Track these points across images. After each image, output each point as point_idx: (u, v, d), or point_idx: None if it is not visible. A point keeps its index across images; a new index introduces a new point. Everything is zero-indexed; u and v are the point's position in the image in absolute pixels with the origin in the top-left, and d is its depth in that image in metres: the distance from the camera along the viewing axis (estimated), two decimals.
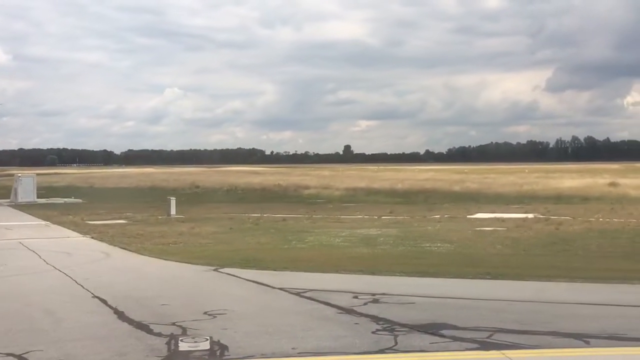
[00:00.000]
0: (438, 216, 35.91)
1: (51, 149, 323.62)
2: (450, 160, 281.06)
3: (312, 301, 13.66)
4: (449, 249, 23.15)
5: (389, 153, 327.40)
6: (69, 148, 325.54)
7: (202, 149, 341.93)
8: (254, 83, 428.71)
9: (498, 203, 45.19)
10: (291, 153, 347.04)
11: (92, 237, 26.64)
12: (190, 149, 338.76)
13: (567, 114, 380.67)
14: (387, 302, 13.46)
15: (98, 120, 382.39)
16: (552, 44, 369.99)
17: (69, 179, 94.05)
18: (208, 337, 10.55)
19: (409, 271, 17.73)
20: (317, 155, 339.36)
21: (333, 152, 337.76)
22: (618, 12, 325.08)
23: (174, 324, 11.57)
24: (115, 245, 23.99)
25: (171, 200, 37.04)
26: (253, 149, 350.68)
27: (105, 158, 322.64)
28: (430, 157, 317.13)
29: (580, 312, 12.54)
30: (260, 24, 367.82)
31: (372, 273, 17.63)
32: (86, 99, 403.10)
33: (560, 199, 46.73)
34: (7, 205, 46.62)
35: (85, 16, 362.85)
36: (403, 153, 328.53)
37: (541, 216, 34.40)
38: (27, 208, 43.13)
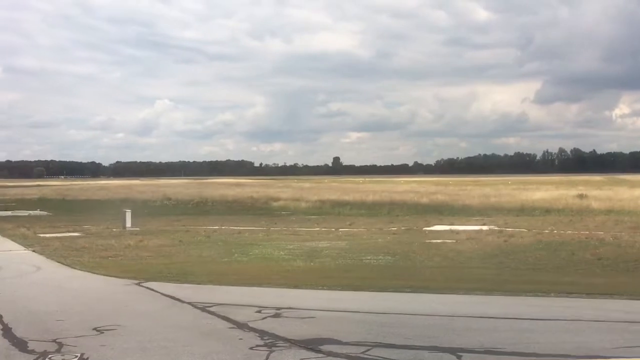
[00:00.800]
0: (395, 228, 35.73)
1: (39, 160, 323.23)
2: (438, 172, 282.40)
3: (212, 315, 13.44)
4: (388, 261, 23.04)
5: (378, 165, 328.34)
6: (57, 160, 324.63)
7: (192, 160, 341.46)
8: (245, 95, 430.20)
9: (462, 215, 45.18)
10: (280, 165, 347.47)
11: (34, 251, 26.31)
12: (180, 161, 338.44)
13: (556, 126, 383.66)
14: (287, 317, 13.24)
15: (88, 132, 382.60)
16: (541, 57, 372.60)
17: (46, 191, 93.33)
18: (79, 354, 10.31)
19: (332, 284, 17.60)
20: (306, 167, 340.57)
21: (322, 164, 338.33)
22: (605, 25, 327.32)
23: (54, 340, 11.29)
24: (52, 259, 23.69)
25: (126, 213, 36.71)
26: (242, 160, 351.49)
27: (93, 170, 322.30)
28: (419, 169, 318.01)
29: (472, 326, 12.31)
30: (250, 36, 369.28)
31: (295, 286, 17.51)
32: (76, 111, 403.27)
33: (523, 210, 46.67)
34: None
35: (75, 28, 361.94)
36: (392, 165, 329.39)
37: (496, 228, 34.26)
38: None
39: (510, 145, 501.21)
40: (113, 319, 12.99)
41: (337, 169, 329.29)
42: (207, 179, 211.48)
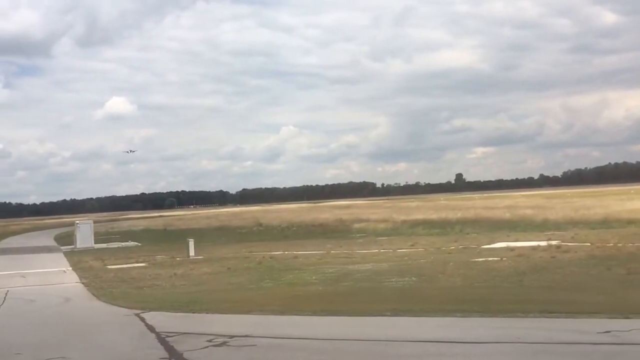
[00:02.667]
0: (453, 247, 35.07)
1: (171, 192, 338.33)
2: (565, 184, 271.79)
3: (161, 346, 13.83)
4: (406, 283, 22.81)
5: (505, 179, 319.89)
6: (187, 190, 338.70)
7: (316, 184, 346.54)
8: (367, 116, 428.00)
9: (537, 230, 43.56)
10: (402, 184, 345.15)
11: (82, 282, 27.80)
12: (303, 185, 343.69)
13: None
14: (229, 345, 13.50)
15: (217, 162, 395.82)
16: None
17: (157, 222, 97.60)
18: None
19: (320, 310, 17.66)
20: (428, 185, 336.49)
21: (445, 181, 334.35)
22: None
23: None
24: (90, 291, 24.93)
25: (190, 242, 38.05)
26: (364, 182, 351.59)
27: (220, 198, 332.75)
28: (544, 182, 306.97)
29: (402, 351, 12.23)
30: (370, 58, 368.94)
31: (282, 313, 17.70)
32: (206, 142, 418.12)
33: (604, 223, 44.41)
34: (65, 251, 49.11)
35: (201, 63, 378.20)
36: (516, 179, 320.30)
37: (557, 243, 32.89)
38: (76, 254, 45.21)
39: None
40: (70, 350, 13.68)
41: (459, 185, 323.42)
42: (322, 202, 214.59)
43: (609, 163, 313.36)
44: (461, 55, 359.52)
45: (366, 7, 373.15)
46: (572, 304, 16.56)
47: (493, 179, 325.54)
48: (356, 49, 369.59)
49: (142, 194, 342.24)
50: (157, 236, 64.71)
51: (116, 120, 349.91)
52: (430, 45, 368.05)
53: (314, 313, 17.33)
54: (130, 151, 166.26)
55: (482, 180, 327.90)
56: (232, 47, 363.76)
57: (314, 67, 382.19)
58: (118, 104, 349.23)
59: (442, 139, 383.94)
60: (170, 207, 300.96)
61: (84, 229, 52.43)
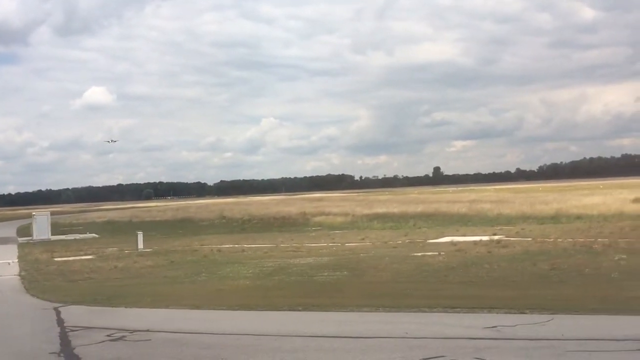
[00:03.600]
0: (400, 241, 35.34)
1: (148, 182, 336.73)
2: (541, 178, 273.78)
3: (59, 340, 13.95)
4: (336, 278, 22.96)
5: (483, 173, 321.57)
6: (165, 181, 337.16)
7: (294, 176, 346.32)
8: (348, 109, 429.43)
9: (488, 225, 43.99)
10: (380, 177, 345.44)
11: (20, 275, 27.72)
12: (282, 177, 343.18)
13: None
14: (125, 340, 13.69)
15: (198, 153, 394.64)
16: None
17: (126, 214, 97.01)
18: None
19: (237, 304, 17.88)
20: (406, 178, 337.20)
21: (424, 174, 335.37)
22: None
23: None
24: (23, 284, 24.82)
25: (138, 235, 38.08)
26: (342, 174, 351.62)
27: (198, 190, 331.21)
28: (521, 176, 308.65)
29: (282, 346, 12.52)
30: (352, 50, 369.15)
31: (198, 307, 17.85)
32: (186, 133, 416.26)
33: (554, 218, 44.95)
34: (21, 243, 48.87)
35: (182, 53, 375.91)
36: (493, 172, 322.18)
37: (499, 238, 33.35)
38: (29, 246, 45.03)
39: (625, 146, 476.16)
40: None
41: (437, 179, 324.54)
42: (299, 194, 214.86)
43: (584, 158, 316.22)
44: (443, 49, 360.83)
45: (348, 0, 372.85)
46: (480, 298, 16.88)
47: (472, 173, 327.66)
48: (338, 42, 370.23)
49: (119, 184, 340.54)
50: (119, 228, 64.48)
51: (95, 110, 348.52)
52: (412, 39, 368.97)
53: (229, 307, 17.54)
54: (112, 141, 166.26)
55: (460, 174, 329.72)
56: (213, 38, 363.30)
57: (295, 59, 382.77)
58: (97, 93, 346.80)
59: (423, 132, 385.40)
60: (148, 198, 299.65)
61: (41, 220, 52.15)
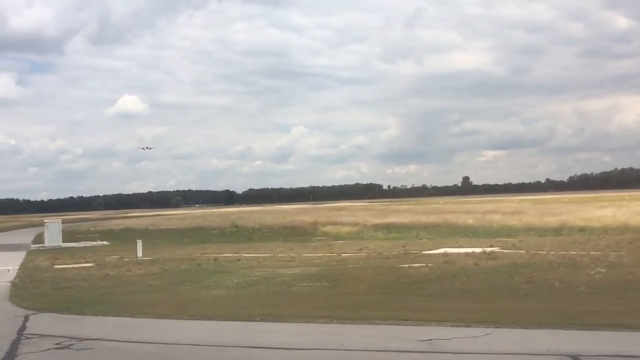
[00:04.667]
0: (396, 252, 35.39)
1: (177, 190, 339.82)
2: (571, 189, 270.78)
3: (9, 348, 14.25)
4: (313, 289, 23.20)
5: (513, 183, 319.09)
6: (194, 190, 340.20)
7: (322, 185, 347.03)
8: (377, 118, 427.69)
9: (491, 236, 43.77)
10: (409, 187, 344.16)
11: (12, 282, 28.26)
12: (310, 186, 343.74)
13: None
14: (70, 349, 14.04)
15: (227, 161, 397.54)
16: None
17: (147, 221, 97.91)
18: None
19: (200, 314, 18.15)
20: (435, 187, 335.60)
21: (452, 184, 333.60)
22: None
23: None
24: (10, 291, 25.31)
25: (138, 243, 38.62)
26: (370, 183, 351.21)
27: (227, 198, 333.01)
28: (550, 186, 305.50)
29: (215, 356, 12.79)
30: (381, 59, 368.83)
31: (161, 316, 18.14)
32: (216, 141, 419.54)
33: (556, 230, 44.57)
34: (32, 250, 49.83)
35: (212, 62, 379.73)
36: (522, 183, 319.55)
37: (495, 250, 33.27)
38: (36, 253, 45.91)
39: None
40: None
41: (466, 189, 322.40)
42: (322, 203, 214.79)
43: (615, 168, 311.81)
44: (472, 58, 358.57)
45: (377, 8, 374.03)
46: (437, 311, 16.95)
47: (502, 183, 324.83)
48: (367, 50, 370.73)
49: (149, 192, 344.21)
50: (133, 236, 64.94)
51: (128, 118, 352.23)
52: (441, 47, 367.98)
53: (191, 317, 17.76)
54: (147, 148, 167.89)
55: (490, 184, 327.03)
56: (243, 47, 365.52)
57: (324, 67, 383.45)
58: (130, 101, 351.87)
59: (452, 141, 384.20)
60: (176, 205, 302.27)
61: (52, 228, 53.11)
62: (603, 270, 23.42)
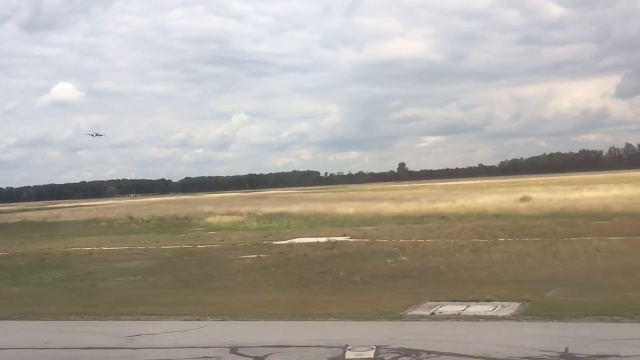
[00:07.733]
0: (249, 243, 35.66)
1: (112, 180, 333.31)
2: (501, 174, 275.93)
3: None
4: (114, 284, 23.30)
5: (450, 168, 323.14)
6: (132, 179, 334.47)
7: (260, 173, 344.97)
8: (319, 105, 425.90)
9: (357, 225, 44.19)
10: (345, 173, 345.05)
11: None
12: (248, 174, 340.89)
13: None
14: None
15: (167, 149, 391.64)
16: (620, 50, 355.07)
17: (53, 214, 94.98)
18: None
19: None
20: (371, 174, 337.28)
21: (387, 170, 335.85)
22: None
23: None
24: None
25: None
26: (307, 171, 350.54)
27: (162, 187, 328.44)
28: (483, 171, 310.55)
29: None
30: (322, 46, 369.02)
31: None
32: (156, 130, 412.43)
33: (420, 218, 45.48)
34: None
35: (151, 49, 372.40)
36: (457, 168, 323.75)
37: (343, 239, 34.06)
38: None
39: (591, 142, 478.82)
40: None
41: (402, 175, 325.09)
42: (258, 191, 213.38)
43: (544, 153, 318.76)
44: (412, 45, 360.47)
45: None
46: (194, 305, 17.21)
47: (441, 168, 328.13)
48: (307, 37, 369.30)
49: (82, 182, 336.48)
50: (24, 229, 63.82)
51: (63, 107, 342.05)
52: (382, 35, 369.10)
53: None
54: (96, 134, 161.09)
55: (427, 169, 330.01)
56: (183, 34, 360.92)
57: (265, 54, 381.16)
58: (65, 89, 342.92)
59: (393, 127, 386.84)
60: (110, 195, 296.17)
61: None
62: (405, 258, 24.06)
